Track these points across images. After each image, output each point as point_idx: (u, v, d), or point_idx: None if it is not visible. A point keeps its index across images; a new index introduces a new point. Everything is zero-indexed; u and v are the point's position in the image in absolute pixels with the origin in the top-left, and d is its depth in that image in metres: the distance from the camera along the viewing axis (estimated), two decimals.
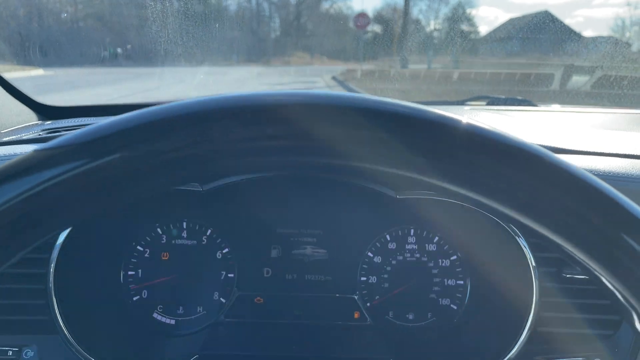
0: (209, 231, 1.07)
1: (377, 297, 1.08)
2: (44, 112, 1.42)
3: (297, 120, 0.41)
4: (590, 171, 0.93)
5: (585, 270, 0.48)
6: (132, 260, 1.05)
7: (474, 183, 0.42)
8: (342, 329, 1.06)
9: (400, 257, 1.08)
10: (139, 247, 1.06)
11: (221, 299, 1.07)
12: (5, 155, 0.91)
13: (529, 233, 0.91)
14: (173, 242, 1.06)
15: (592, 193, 0.39)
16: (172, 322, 1.05)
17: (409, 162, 0.42)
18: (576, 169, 0.40)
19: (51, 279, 0.87)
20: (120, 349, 0.95)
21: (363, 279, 1.08)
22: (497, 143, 0.40)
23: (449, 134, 0.40)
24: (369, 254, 1.08)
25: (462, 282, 1.07)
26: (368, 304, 1.08)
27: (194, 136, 0.40)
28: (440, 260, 1.08)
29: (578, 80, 2.33)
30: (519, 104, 1.76)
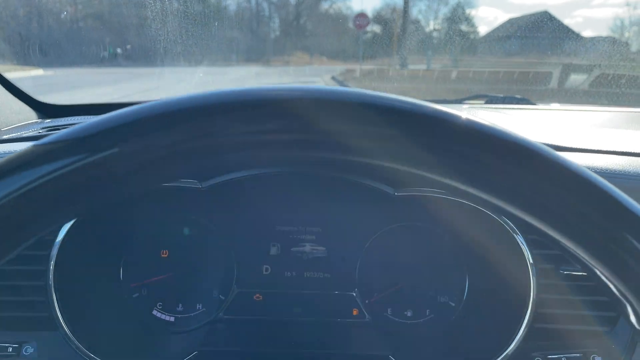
0: (208, 228, 1.08)
1: (376, 294, 1.08)
2: (44, 110, 1.43)
3: (297, 115, 0.41)
4: (588, 168, 0.93)
5: (583, 265, 0.48)
6: (132, 257, 1.06)
7: (480, 182, 0.42)
8: (340, 326, 1.07)
9: (399, 254, 1.08)
10: (138, 245, 1.06)
11: (220, 296, 1.07)
12: (5, 153, 0.92)
13: (526, 230, 0.92)
14: (172, 239, 1.07)
15: (591, 189, 0.40)
16: (172, 319, 1.06)
17: (407, 156, 0.42)
18: (573, 163, 0.40)
19: (51, 276, 0.87)
20: (120, 345, 0.96)
21: (361, 276, 1.08)
22: (498, 139, 0.40)
23: (448, 129, 0.40)
24: (368, 251, 1.08)
25: (460, 279, 1.08)
26: (366, 301, 1.08)
27: (194, 130, 0.40)
28: (438, 257, 1.08)
29: (576, 78, 2.34)
30: (517, 103, 1.77)
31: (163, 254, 1.06)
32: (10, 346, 0.86)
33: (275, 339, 1.04)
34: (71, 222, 0.89)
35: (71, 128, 0.40)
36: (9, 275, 0.87)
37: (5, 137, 1.07)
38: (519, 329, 0.90)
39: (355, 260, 1.08)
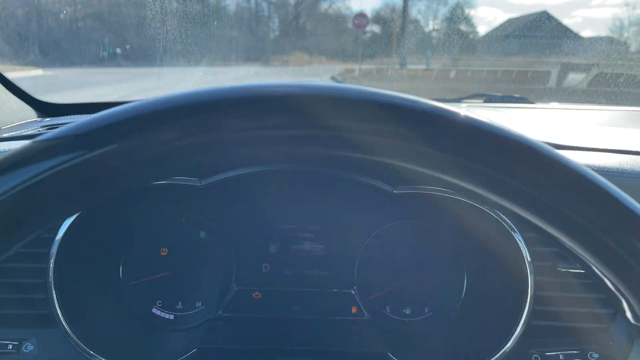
0: (208, 226, 1.08)
1: (375, 291, 1.09)
2: (44, 109, 1.43)
3: (305, 111, 0.41)
4: (586, 166, 0.94)
5: (579, 261, 0.49)
6: (131, 255, 1.06)
7: (481, 181, 0.42)
8: (339, 323, 1.07)
9: (397, 253, 1.09)
10: (137, 243, 1.06)
11: (220, 294, 1.07)
12: (5, 151, 0.92)
13: (524, 228, 0.92)
14: (172, 237, 1.07)
15: (587, 185, 0.40)
16: (171, 317, 1.06)
17: (406, 153, 0.43)
18: (571, 160, 0.41)
19: (51, 273, 0.87)
20: (120, 343, 0.96)
21: (360, 274, 1.09)
22: (500, 137, 0.40)
23: (449, 126, 0.41)
24: (366, 249, 1.09)
25: (458, 276, 1.08)
26: (365, 299, 1.08)
27: (194, 127, 0.41)
28: (436, 256, 1.08)
29: (574, 78, 2.35)
30: (516, 102, 1.78)
31: (162, 252, 1.07)
32: (10, 343, 0.86)
33: (275, 336, 1.04)
34: (71, 220, 0.89)
35: (70, 125, 0.41)
36: (9, 272, 0.87)
37: (5, 135, 1.07)
38: (517, 326, 0.91)
39: (354, 258, 1.09)
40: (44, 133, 1.10)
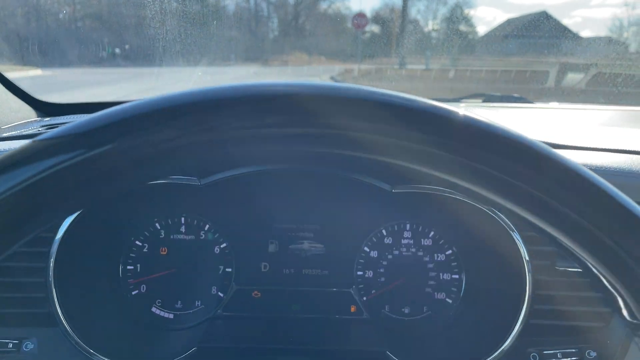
0: (207, 226, 1.08)
1: (374, 291, 1.09)
2: (43, 108, 1.43)
3: (297, 110, 0.42)
4: (584, 166, 0.94)
5: (575, 259, 0.49)
6: (131, 254, 1.06)
7: (480, 181, 0.43)
8: (338, 322, 1.08)
9: (396, 252, 1.09)
10: (137, 242, 1.07)
11: (219, 293, 1.08)
12: (5, 150, 0.92)
13: (522, 227, 0.93)
14: (171, 236, 1.08)
15: (583, 184, 0.41)
16: (171, 316, 1.07)
17: (404, 151, 0.43)
18: (569, 160, 0.41)
19: (51, 272, 0.88)
20: (119, 342, 0.96)
21: (359, 273, 1.09)
22: (499, 136, 0.41)
23: (445, 124, 0.41)
24: (365, 248, 1.09)
25: (457, 276, 1.08)
26: (364, 298, 1.09)
27: (192, 125, 0.41)
28: (435, 255, 1.09)
29: (573, 77, 2.35)
30: (515, 101, 1.78)
31: (162, 251, 1.07)
32: (10, 342, 0.86)
33: (274, 335, 1.05)
34: (71, 219, 0.89)
35: (70, 124, 0.41)
36: (10, 272, 0.87)
37: (4, 135, 1.07)
38: (515, 325, 0.91)
39: (353, 257, 1.09)
40: (43, 132, 1.10)
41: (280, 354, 1.01)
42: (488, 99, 1.78)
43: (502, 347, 0.91)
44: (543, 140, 1.01)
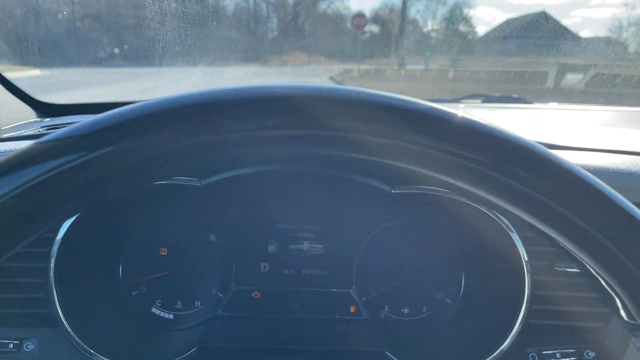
0: (207, 226, 1.08)
1: (373, 291, 1.09)
2: (43, 109, 1.44)
3: (299, 112, 0.42)
4: (583, 167, 0.95)
5: (573, 259, 0.49)
6: (131, 255, 1.07)
7: (478, 182, 0.43)
8: (338, 323, 1.08)
9: (396, 252, 1.09)
10: (137, 242, 1.07)
11: (219, 293, 1.08)
12: (5, 151, 0.93)
13: (521, 227, 0.93)
14: (171, 237, 1.08)
15: (580, 185, 0.41)
16: (171, 316, 1.07)
17: (402, 153, 0.43)
18: (568, 162, 0.42)
19: (52, 273, 0.88)
20: (120, 342, 0.97)
21: (359, 273, 1.09)
22: (498, 138, 0.41)
23: (444, 126, 0.41)
24: (365, 248, 1.09)
25: (456, 276, 1.09)
26: (364, 298, 1.09)
27: (195, 127, 0.41)
28: (434, 255, 1.09)
29: (572, 78, 2.35)
30: (514, 102, 1.78)
31: (162, 251, 1.07)
32: (11, 342, 0.87)
33: (274, 336, 1.05)
34: (71, 220, 0.89)
35: (73, 125, 0.41)
36: (11, 272, 0.87)
37: (5, 135, 1.08)
38: (514, 325, 0.92)
39: (353, 257, 1.09)
40: (43, 133, 1.10)
41: (279, 354, 1.01)
42: (487, 99, 1.79)
43: (501, 348, 0.91)
44: (542, 140, 1.02)
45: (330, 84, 0.46)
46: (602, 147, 1.03)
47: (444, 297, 1.09)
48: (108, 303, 1.02)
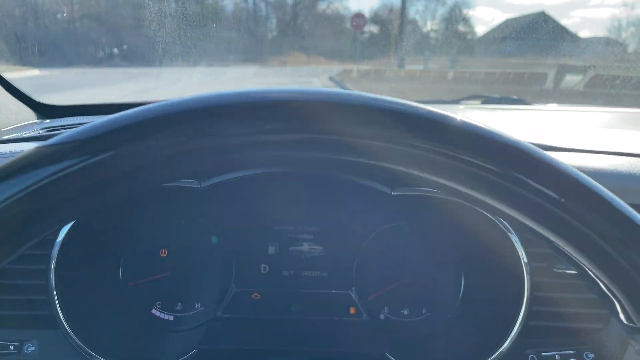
0: (207, 228, 1.09)
1: (373, 292, 1.10)
2: (43, 110, 1.44)
3: (299, 116, 0.42)
4: (583, 169, 0.95)
5: (571, 262, 0.49)
6: (131, 256, 1.07)
7: (475, 184, 0.43)
8: (338, 324, 1.08)
9: (395, 254, 1.09)
10: (137, 244, 1.07)
11: (219, 295, 1.08)
12: (6, 153, 0.93)
13: (521, 229, 0.93)
14: (171, 238, 1.08)
15: (578, 188, 0.41)
16: (171, 318, 1.07)
17: (402, 156, 0.44)
18: (566, 166, 0.42)
19: (52, 275, 0.88)
20: (120, 343, 0.97)
21: (359, 275, 1.10)
22: (498, 142, 0.41)
23: (443, 130, 0.42)
24: (365, 250, 1.10)
25: (455, 277, 1.09)
26: (364, 300, 1.09)
27: (197, 131, 0.41)
28: (434, 256, 1.09)
29: (571, 79, 2.36)
30: (513, 103, 1.79)
31: (162, 253, 1.07)
32: (11, 344, 0.87)
33: (273, 337, 1.05)
34: (71, 222, 0.89)
35: (74, 129, 0.41)
36: (11, 274, 0.88)
37: (5, 137, 1.08)
38: (514, 327, 0.92)
39: (353, 259, 1.09)
40: (43, 135, 1.10)
41: (279, 356, 1.01)
42: (487, 100, 1.79)
43: (501, 349, 0.92)
44: (541, 142, 1.03)
45: (329, 88, 0.46)
46: (601, 149, 1.03)
47: (443, 298, 1.09)
48: (108, 304, 1.02)
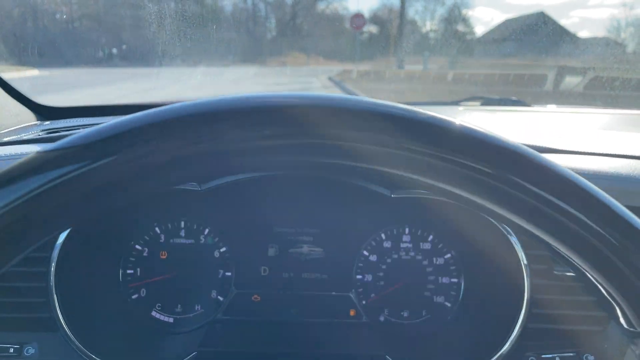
0: (207, 230, 1.09)
1: (373, 295, 1.10)
2: (43, 112, 1.43)
3: (300, 121, 0.42)
4: (581, 171, 0.95)
5: (572, 267, 0.49)
6: (131, 259, 1.07)
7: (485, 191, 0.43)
8: (338, 326, 1.08)
9: (395, 256, 1.09)
10: (137, 246, 1.07)
11: (219, 297, 1.08)
12: (5, 155, 0.93)
13: (520, 231, 0.93)
14: (171, 241, 1.08)
15: (579, 193, 0.41)
16: (171, 320, 1.07)
17: (402, 161, 0.44)
18: (566, 170, 0.42)
19: (52, 277, 0.88)
20: (120, 346, 0.97)
21: (359, 277, 1.10)
22: (500, 147, 0.41)
23: (439, 135, 0.42)
24: (365, 252, 1.10)
25: (455, 279, 1.09)
26: (363, 302, 1.09)
27: (199, 136, 0.41)
28: (434, 259, 1.09)
29: (571, 81, 2.36)
30: (513, 104, 1.79)
31: (162, 255, 1.07)
32: (11, 347, 0.87)
33: (274, 339, 1.05)
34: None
35: (75, 135, 0.41)
36: (11, 276, 0.87)
37: (5, 139, 1.07)
38: (514, 329, 0.92)
39: (353, 261, 1.10)
40: (43, 137, 1.10)
41: (279, 358, 1.01)
42: (486, 102, 1.79)
43: (501, 351, 0.92)
44: (541, 144, 1.03)
45: (328, 93, 0.46)
46: (601, 151, 1.03)
47: (443, 300, 1.09)
48: (108, 307, 1.02)
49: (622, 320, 0.50)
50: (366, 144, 0.43)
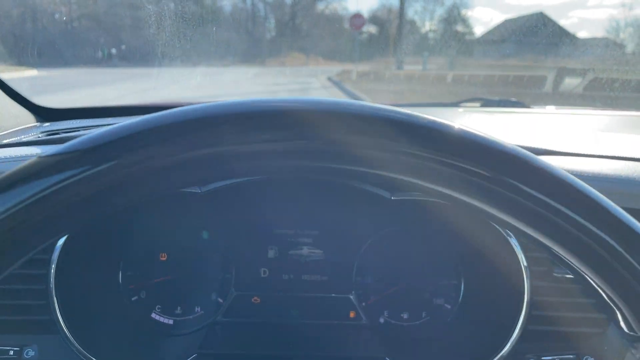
0: (207, 232, 1.08)
1: (372, 296, 1.10)
2: (42, 114, 1.43)
3: (300, 126, 0.42)
4: (581, 173, 0.95)
5: (572, 270, 0.49)
6: (131, 261, 1.07)
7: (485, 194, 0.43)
8: (338, 328, 1.08)
9: (395, 257, 1.09)
10: (137, 248, 1.07)
11: (219, 299, 1.08)
12: (5, 158, 0.92)
13: (520, 233, 0.93)
14: (171, 242, 1.08)
15: (577, 197, 0.41)
16: (171, 322, 1.07)
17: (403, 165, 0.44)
18: (566, 174, 0.42)
19: (52, 279, 0.88)
20: (120, 348, 0.97)
21: (358, 279, 1.10)
22: (497, 151, 0.41)
23: (439, 139, 0.42)
24: (364, 254, 1.10)
25: (455, 281, 1.09)
26: (363, 304, 1.09)
27: (201, 140, 0.41)
28: (434, 260, 1.09)
29: (570, 82, 2.36)
30: (512, 106, 1.79)
31: (162, 257, 1.07)
32: (11, 349, 0.86)
33: (273, 341, 1.05)
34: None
35: (75, 140, 0.41)
36: (11, 279, 0.87)
37: (4, 141, 1.07)
38: (514, 331, 0.92)
39: (352, 263, 1.10)
40: (43, 139, 1.09)
41: None
42: (486, 103, 1.79)
43: (501, 353, 0.92)
44: (540, 145, 1.03)
45: (329, 97, 0.47)
46: (600, 153, 1.03)
47: (443, 302, 1.09)
48: (108, 309, 1.02)
49: (622, 324, 0.50)
50: (366, 149, 0.43)
